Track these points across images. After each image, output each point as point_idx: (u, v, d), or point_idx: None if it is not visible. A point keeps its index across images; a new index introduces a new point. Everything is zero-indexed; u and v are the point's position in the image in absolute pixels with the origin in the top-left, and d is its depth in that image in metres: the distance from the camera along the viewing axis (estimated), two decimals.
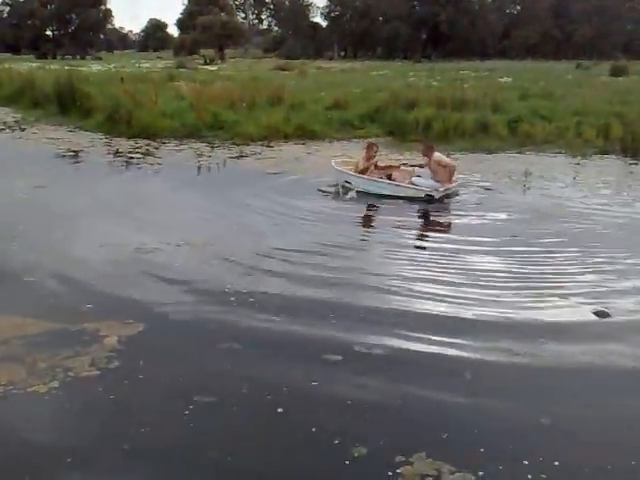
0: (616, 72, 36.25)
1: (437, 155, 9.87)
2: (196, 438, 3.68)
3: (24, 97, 20.90)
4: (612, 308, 5.48)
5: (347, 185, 10.22)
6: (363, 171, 10.26)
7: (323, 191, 10.20)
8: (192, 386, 4.21)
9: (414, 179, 9.96)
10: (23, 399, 4.00)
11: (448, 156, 11.19)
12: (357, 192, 9.81)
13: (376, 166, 10.40)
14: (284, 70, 41.03)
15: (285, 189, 10.20)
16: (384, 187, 9.94)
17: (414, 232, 8.22)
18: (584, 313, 5.42)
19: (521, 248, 7.25)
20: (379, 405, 4.04)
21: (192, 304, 5.57)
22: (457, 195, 9.95)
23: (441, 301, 5.65)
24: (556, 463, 3.48)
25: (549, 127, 15.93)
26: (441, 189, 9.63)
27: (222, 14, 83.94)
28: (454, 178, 9.95)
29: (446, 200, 9.69)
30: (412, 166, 10.57)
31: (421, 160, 10.34)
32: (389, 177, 10.38)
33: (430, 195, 9.55)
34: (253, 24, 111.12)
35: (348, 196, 9.74)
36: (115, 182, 10.89)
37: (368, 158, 10.43)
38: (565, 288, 6.00)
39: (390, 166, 10.68)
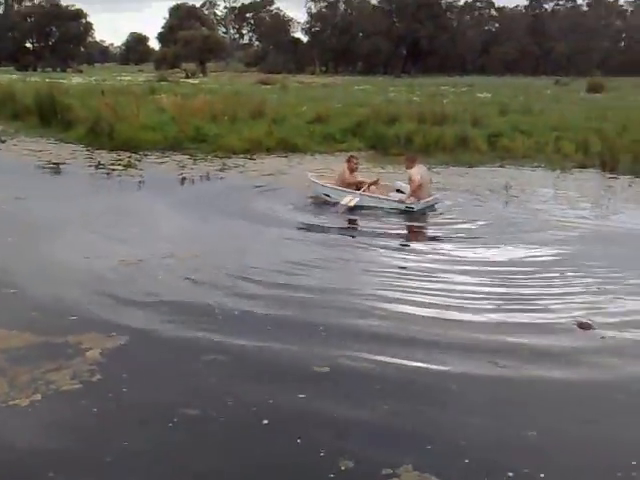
0: (594, 88, 36.88)
1: (410, 171, 9.96)
2: (180, 451, 3.65)
3: (4, 109, 20.67)
4: (594, 320, 5.54)
5: (326, 198, 10.29)
6: (356, 184, 10.36)
7: (306, 203, 10.23)
8: (176, 399, 4.17)
9: (392, 194, 10.05)
10: (4, 413, 3.94)
11: (429, 169, 11.30)
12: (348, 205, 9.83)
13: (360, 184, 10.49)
14: (266, 84, 41.13)
15: (267, 202, 10.20)
16: (364, 200, 10.01)
17: (394, 249, 8.01)
18: (567, 325, 5.46)
19: (502, 260, 7.32)
20: (365, 418, 4.03)
21: (176, 317, 5.52)
22: (436, 209, 10.03)
23: (422, 317, 5.67)
24: (542, 475, 3.49)
25: (528, 142, 16.14)
26: (421, 202, 9.72)
27: (203, 28, 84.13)
28: (430, 192, 10.08)
29: (426, 213, 9.77)
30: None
31: (403, 175, 10.43)
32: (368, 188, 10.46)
33: (410, 207, 9.64)
34: (234, 38, 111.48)
35: (342, 209, 9.74)
36: (97, 194, 10.82)
37: (351, 170, 10.50)
38: (547, 300, 6.06)
39: (372, 183, 10.72)
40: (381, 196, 10.04)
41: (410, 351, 4.92)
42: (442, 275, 6.80)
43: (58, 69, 78.85)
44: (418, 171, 9.98)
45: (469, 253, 7.64)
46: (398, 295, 6.14)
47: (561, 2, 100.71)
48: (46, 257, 7.14)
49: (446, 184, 11.79)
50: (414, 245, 8.49)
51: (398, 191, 10.18)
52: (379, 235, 8.51)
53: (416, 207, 9.66)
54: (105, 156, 14.58)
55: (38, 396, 4.10)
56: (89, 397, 4.14)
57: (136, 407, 4.11)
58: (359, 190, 10.26)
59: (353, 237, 8.80)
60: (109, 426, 3.89)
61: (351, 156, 10.98)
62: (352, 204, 9.82)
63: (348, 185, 10.39)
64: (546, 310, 5.81)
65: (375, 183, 10.48)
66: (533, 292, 6.31)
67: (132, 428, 3.88)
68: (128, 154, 14.83)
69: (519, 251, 7.72)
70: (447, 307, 5.84)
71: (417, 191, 9.81)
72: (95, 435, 3.81)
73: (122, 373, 4.47)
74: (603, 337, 5.25)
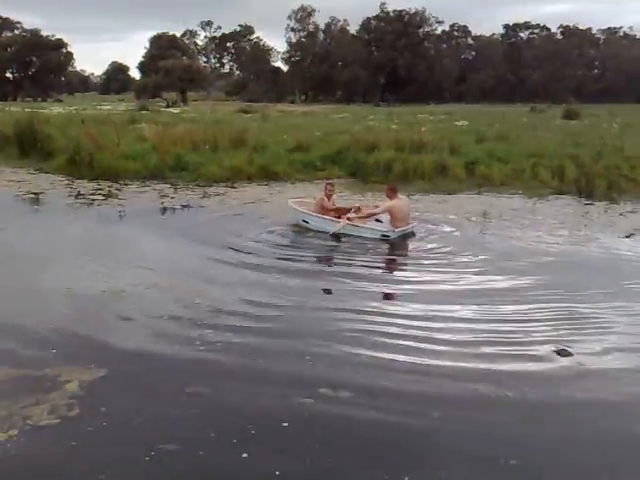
0: (569, 115, 37.58)
1: (387, 204, 10.12)
2: None
3: None
4: (573, 346, 5.60)
5: (304, 224, 10.38)
6: (334, 211, 10.51)
7: (287, 231, 10.28)
8: (156, 432, 4.14)
9: (370, 223, 10.15)
10: None
11: (409, 196, 11.44)
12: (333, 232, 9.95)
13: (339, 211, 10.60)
14: (246, 113, 41.43)
15: (247, 231, 10.20)
16: (339, 227, 10.10)
17: (370, 278, 7.87)
18: (545, 352, 5.51)
19: (480, 288, 7.39)
20: (343, 450, 4.03)
21: (156, 348, 5.49)
22: (415, 235, 10.14)
23: (398, 345, 5.70)
24: None
25: (505, 169, 16.38)
26: (397, 230, 9.85)
27: (184, 58, 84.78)
28: (409, 221, 10.24)
29: (405, 240, 9.87)
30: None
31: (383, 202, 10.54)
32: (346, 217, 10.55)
33: (386, 235, 9.76)
34: (215, 68, 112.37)
35: (331, 237, 9.84)
36: (77, 224, 10.75)
37: (328, 196, 10.66)
38: (526, 327, 6.12)
39: (355, 210, 10.84)
40: (360, 225, 10.12)
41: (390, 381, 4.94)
42: (419, 304, 6.84)
43: (38, 99, 78.88)
44: (396, 204, 10.13)
45: (447, 280, 7.69)
46: (372, 327, 6.16)
47: (536, 31, 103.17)
48: (25, 288, 7.08)
49: (425, 212, 11.92)
50: (390, 275, 8.55)
51: (377, 220, 10.31)
52: (357, 265, 8.46)
53: (392, 235, 9.83)
54: (85, 186, 14.54)
55: (15, 431, 4.05)
56: (67, 432, 4.09)
57: (114, 441, 4.06)
58: (338, 216, 10.38)
59: (330, 267, 8.77)
60: (86, 461, 3.84)
61: (327, 183, 11.17)
62: (338, 231, 9.91)
63: (327, 212, 10.50)
64: (524, 337, 5.86)
65: (357, 211, 10.57)
66: (511, 319, 6.36)
67: (110, 463, 3.84)
68: (109, 183, 14.80)
69: (497, 278, 7.79)
70: (423, 337, 5.87)
71: (394, 222, 10.00)
72: (72, 470, 3.76)
73: (100, 407, 4.42)
74: (580, 362, 5.30)
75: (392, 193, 10.26)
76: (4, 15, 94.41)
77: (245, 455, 3.91)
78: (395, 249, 9.54)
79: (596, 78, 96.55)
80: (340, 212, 10.56)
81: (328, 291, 7.40)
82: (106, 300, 6.71)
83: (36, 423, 4.15)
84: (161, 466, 3.79)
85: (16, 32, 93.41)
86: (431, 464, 3.90)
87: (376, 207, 10.47)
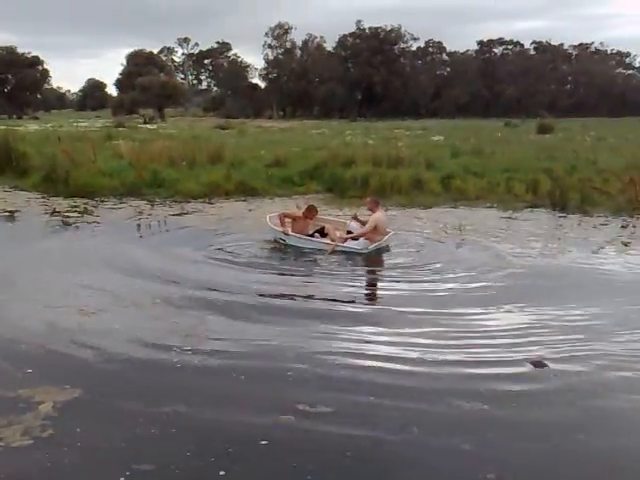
0: (543, 130, 38.17)
1: (372, 216, 10.19)
2: None
3: None
4: (546, 357, 5.66)
5: (281, 241, 10.44)
6: (297, 220, 10.60)
7: (263, 248, 10.27)
8: (132, 452, 4.10)
9: (347, 243, 10.12)
10: None
11: (386, 211, 11.53)
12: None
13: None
14: (224, 129, 41.47)
15: (225, 246, 10.19)
16: (316, 245, 10.19)
17: (345, 297, 7.76)
18: (520, 363, 5.57)
19: (454, 300, 7.45)
20: (324, 466, 4.03)
21: (133, 368, 5.45)
22: (390, 249, 10.22)
23: (373, 366, 5.73)
24: None
25: (480, 183, 16.57)
26: (371, 246, 9.92)
27: (161, 74, 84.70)
28: (383, 236, 10.26)
29: (381, 254, 9.94)
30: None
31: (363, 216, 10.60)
32: (322, 230, 10.62)
33: (360, 253, 9.85)
34: (192, 84, 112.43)
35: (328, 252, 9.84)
36: (51, 242, 10.65)
37: (307, 217, 10.73)
38: (500, 339, 6.17)
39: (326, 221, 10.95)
40: (333, 243, 10.09)
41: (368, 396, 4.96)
42: (394, 318, 6.88)
43: (14, 116, 78.07)
44: (380, 216, 10.23)
45: (422, 294, 7.75)
46: (349, 344, 6.18)
47: (510, 47, 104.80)
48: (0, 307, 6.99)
49: (402, 226, 12.00)
50: (367, 290, 8.58)
51: (349, 232, 10.35)
52: (331, 283, 8.35)
53: (365, 251, 9.86)
54: (61, 203, 14.42)
55: None
56: (40, 453, 4.04)
57: (88, 463, 4.01)
58: (321, 230, 10.55)
59: (307, 283, 8.62)
60: None
61: (312, 206, 11.06)
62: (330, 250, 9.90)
63: (300, 225, 10.58)
64: (498, 349, 5.91)
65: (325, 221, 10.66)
66: (485, 331, 6.42)
67: None
68: (85, 200, 14.70)
69: (471, 291, 7.86)
70: (397, 351, 5.90)
71: (370, 235, 10.04)
72: None
73: (75, 427, 4.37)
74: (556, 375, 5.36)
75: (375, 206, 10.33)
76: None
77: (222, 473, 3.89)
78: (371, 264, 9.56)
79: (569, 93, 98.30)
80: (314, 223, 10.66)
81: (309, 311, 7.40)
82: (81, 319, 6.64)
83: (8, 445, 4.09)
84: None
85: None
86: None
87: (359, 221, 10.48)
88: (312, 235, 10.61)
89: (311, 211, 10.86)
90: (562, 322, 6.69)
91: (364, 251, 9.87)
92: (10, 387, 4.91)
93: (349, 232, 10.34)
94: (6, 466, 3.91)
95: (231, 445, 4.19)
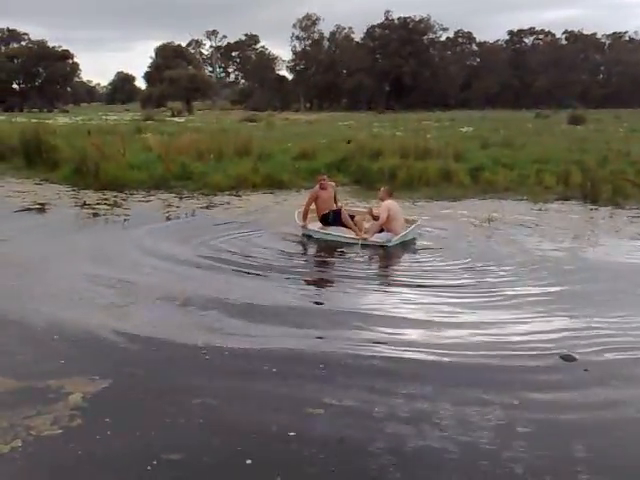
0: (574, 120, 37.59)
1: (383, 203, 10.11)
2: None
3: None
4: (578, 352, 5.57)
5: (307, 234, 10.48)
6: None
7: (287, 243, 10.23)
8: (160, 442, 4.12)
9: (372, 237, 10.04)
10: None
11: (414, 203, 11.43)
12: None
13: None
14: (251, 122, 41.57)
15: (252, 239, 10.21)
16: (341, 239, 10.14)
17: (370, 288, 7.80)
18: (551, 358, 5.49)
19: (485, 296, 7.36)
20: (349, 458, 4.01)
21: (162, 359, 5.49)
22: (415, 241, 10.13)
23: (408, 358, 5.69)
24: None
25: (510, 175, 16.37)
26: (394, 238, 9.82)
27: (189, 67, 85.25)
28: (406, 223, 10.22)
29: (404, 248, 9.83)
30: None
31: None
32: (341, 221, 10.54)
33: (384, 245, 9.77)
34: (220, 77, 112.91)
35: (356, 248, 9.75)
36: (82, 234, 10.79)
37: (323, 187, 10.66)
38: (530, 334, 6.09)
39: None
40: (357, 236, 10.03)
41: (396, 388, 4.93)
42: (425, 310, 6.83)
43: (44, 109, 79.27)
44: (391, 203, 10.14)
45: (452, 287, 7.68)
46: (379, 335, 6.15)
47: (540, 36, 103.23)
48: (30, 300, 7.09)
49: (430, 218, 11.90)
50: (394, 288, 8.43)
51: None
52: (356, 278, 8.16)
53: (391, 244, 9.77)
54: (91, 196, 14.60)
55: (18, 442, 4.05)
56: (69, 442, 4.09)
57: (116, 453, 4.05)
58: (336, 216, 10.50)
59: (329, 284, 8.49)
60: (90, 473, 3.84)
61: (319, 175, 11.14)
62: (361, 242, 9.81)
63: (323, 203, 10.59)
64: (529, 344, 5.83)
65: (370, 213, 10.54)
66: (517, 326, 6.33)
67: (114, 474, 3.84)
68: (114, 193, 14.85)
69: (501, 285, 7.75)
70: (430, 344, 5.86)
71: (388, 225, 9.95)
72: None
73: (104, 417, 4.41)
74: (586, 369, 5.27)
75: (388, 195, 10.27)
76: (11, 27, 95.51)
77: (249, 462, 3.91)
78: (396, 258, 9.48)
79: (601, 83, 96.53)
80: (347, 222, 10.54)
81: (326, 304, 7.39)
82: (111, 311, 6.71)
83: (39, 434, 4.15)
84: (164, 474, 3.79)
85: (22, 44, 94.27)
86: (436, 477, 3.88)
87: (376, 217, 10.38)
88: (335, 214, 10.56)
89: (319, 179, 10.84)
90: (594, 317, 6.57)
91: (389, 244, 9.78)
92: (40, 378, 4.97)
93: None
94: (36, 455, 3.96)
95: (258, 436, 4.20)
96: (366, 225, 10.25)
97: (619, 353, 5.64)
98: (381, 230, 10.13)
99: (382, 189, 10.60)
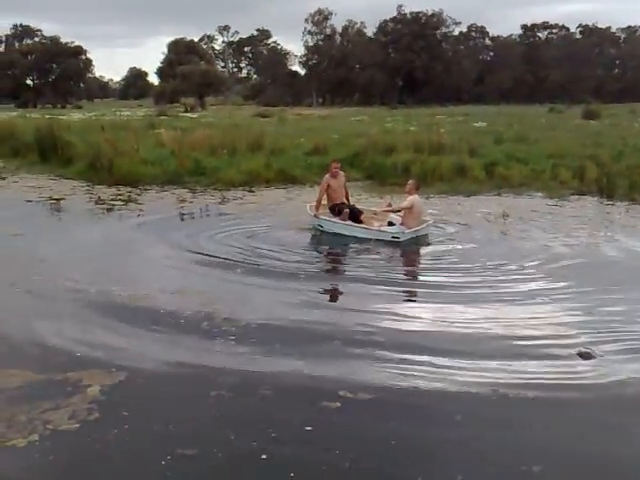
0: (588, 115, 37.26)
1: (408, 198, 10.05)
2: None
3: (4, 146, 20.80)
4: (595, 349, 5.52)
5: (319, 228, 10.48)
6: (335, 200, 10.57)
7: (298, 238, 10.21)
8: (176, 436, 4.14)
9: (383, 228, 10.07)
10: (1, 453, 3.92)
11: (428, 198, 11.37)
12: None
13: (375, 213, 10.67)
14: (264, 117, 41.55)
15: (265, 235, 10.20)
16: (352, 230, 10.14)
17: (383, 287, 7.60)
18: (568, 355, 5.45)
19: (501, 291, 7.32)
20: (365, 453, 4.01)
21: (179, 351, 5.51)
22: (428, 238, 10.04)
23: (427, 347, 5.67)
24: None
25: (525, 170, 16.26)
26: (407, 231, 9.76)
27: (202, 63, 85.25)
28: (423, 220, 10.16)
29: (417, 245, 9.75)
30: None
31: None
32: (359, 219, 10.55)
33: (396, 237, 9.69)
34: (232, 72, 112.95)
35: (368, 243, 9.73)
36: (98, 229, 10.84)
37: (334, 175, 10.68)
38: (548, 330, 6.06)
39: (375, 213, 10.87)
40: (369, 227, 10.09)
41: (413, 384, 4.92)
42: (441, 305, 6.81)
43: (58, 105, 79.67)
44: (417, 199, 10.07)
45: (466, 283, 7.64)
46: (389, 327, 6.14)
47: (554, 31, 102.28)
48: (46, 293, 7.14)
49: (444, 214, 11.85)
50: (408, 287, 8.36)
51: (390, 223, 10.22)
52: (366, 279, 7.92)
53: (402, 237, 9.71)
54: (105, 191, 14.66)
55: (35, 436, 4.08)
56: (87, 436, 4.11)
57: (134, 446, 4.07)
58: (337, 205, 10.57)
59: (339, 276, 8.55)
60: (106, 466, 3.86)
61: (333, 161, 11.18)
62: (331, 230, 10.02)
63: (334, 192, 10.64)
64: (547, 340, 5.79)
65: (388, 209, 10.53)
66: (534, 323, 6.29)
67: (130, 468, 3.85)
68: (128, 189, 14.91)
69: (517, 282, 7.70)
70: (448, 341, 5.84)
71: (406, 219, 9.90)
72: (92, 475, 3.78)
73: (122, 411, 4.43)
74: (604, 365, 5.23)
75: (414, 189, 10.17)
76: (24, 23, 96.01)
77: (264, 456, 3.91)
78: (411, 254, 9.43)
79: (616, 77, 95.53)
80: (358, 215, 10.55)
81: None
82: (128, 304, 6.75)
83: (56, 428, 4.17)
84: (180, 467, 3.81)
85: (36, 40, 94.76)
86: (451, 468, 3.86)
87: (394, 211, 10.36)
88: (343, 205, 10.61)
89: (331, 163, 10.92)
90: (612, 314, 6.51)
91: (401, 237, 9.70)
92: (58, 371, 5.01)
93: (390, 223, 10.20)
94: (54, 449, 3.98)
95: (274, 430, 4.20)
96: (376, 224, 10.29)
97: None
98: (390, 224, 10.12)
99: (410, 182, 10.38)
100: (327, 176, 10.78)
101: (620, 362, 5.29)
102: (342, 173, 11.06)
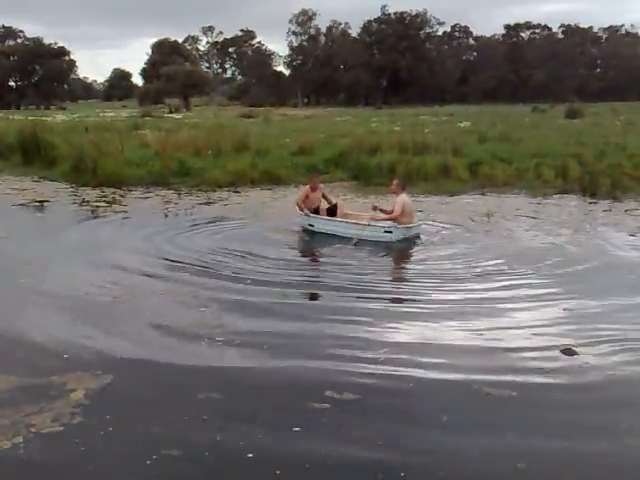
0: (571, 114, 37.54)
1: (397, 198, 10.07)
2: None
3: None
4: (578, 346, 5.58)
5: (309, 227, 10.49)
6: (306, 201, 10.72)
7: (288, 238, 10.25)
8: (162, 438, 4.12)
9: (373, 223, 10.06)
10: None
11: (413, 198, 11.41)
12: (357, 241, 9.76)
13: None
14: (249, 117, 41.54)
15: (248, 236, 10.19)
16: (343, 226, 10.16)
17: (374, 288, 7.52)
18: (551, 352, 5.49)
19: (485, 289, 7.37)
20: (351, 453, 4.02)
21: (165, 354, 5.48)
22: (420, 238, 10.05)
23: (415, 343, 5.70)
24: None
25: (509, 169, 16.36)
26: (400, 226, 9.78)
27: (186, 64, 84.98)
28: (412, 221, 10.16)
29: (409, 244, 9.78)
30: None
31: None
32: (335, 207, 10.85)
33: (389, 231, 9.71)
34: (217, 73, 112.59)
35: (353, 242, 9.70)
36: (82, 231, 10.76)
37: (313, 189, 10.88)
38: (530, 328, 6.10)
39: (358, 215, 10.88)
40: (360, 222, 10.06)
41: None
42: (428, 304, 6.84)
43: (41, 107, 79.06)
44: (406, 198, 10.09)
45: (452, 282, 7.68)
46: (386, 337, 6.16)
47: (537, 30, 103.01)
48: (30, 296, 7.09)
49: (429, 213, 11.90)
50: (393, 285, 8.38)
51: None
52: (354, 280, 7.81)
53: (395, 232, 9.72)
54: (89, 193, 14.57)
55: (20, 439, 4.05)
56: (70, 439, 4.09)
57: (118, 449, 4.05)
58: (317, 212, 10.70)
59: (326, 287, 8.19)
60: (90, 467, 3.84)
61: (314, 174, 11.52)
62: (356, 237, 9.74)
63: (311, 205, 10.74)
64: (530, 338, 5.84)
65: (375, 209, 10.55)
66: (517, 320, 6.34)
67: (114, 469, 3.84)
68: (112, 190, 14.83)
69: (501, 280, 7.75)
70: (432, 337, 5.87)
71: (399, 218, 9.89)
72: (76, 476, 3.78)
73: (106, 414, 4.41)
74: (587, 362, 5.28)
75: (401, 189, 10.18)
76: (6, 24, 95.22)
77: (250, 455, 3.92)
78: (399, 254, 9.45)
79: (598, 76, 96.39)
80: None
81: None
82: (113, 307, 6.71)
83: (39, 431, 4.15)
84: (165, 467, 3.81)
85: (18, 41, 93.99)
86: (435, 467, 3.89)
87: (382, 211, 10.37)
88: (328, 213, 10.76)
89: (312, 178, 11.14)
90: (594, 310, 6.59)
91: (393, 236, 9.71)
92: (42, 374, 4.98)
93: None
94: (37, 452, 3.96)
95: (260, 431, 4.20)
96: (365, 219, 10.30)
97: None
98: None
99: (395, 182, 10.35)
100: (307, 188, 10.97)
101: (604, 361, 5.33)
102: (322, 186, 11.30)
